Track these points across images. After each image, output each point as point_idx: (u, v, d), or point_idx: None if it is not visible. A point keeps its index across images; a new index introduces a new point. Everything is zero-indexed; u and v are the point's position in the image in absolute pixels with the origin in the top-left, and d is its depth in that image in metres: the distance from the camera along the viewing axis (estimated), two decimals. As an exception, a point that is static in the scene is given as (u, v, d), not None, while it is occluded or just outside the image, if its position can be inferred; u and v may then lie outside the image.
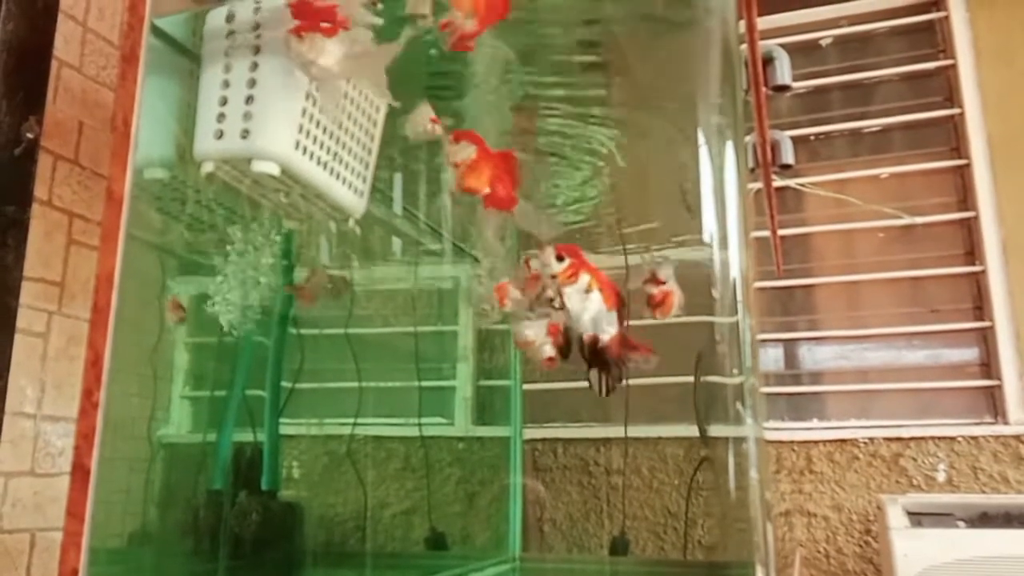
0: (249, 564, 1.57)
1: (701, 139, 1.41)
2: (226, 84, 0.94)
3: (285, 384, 1.82)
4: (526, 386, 2.17)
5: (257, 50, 0.93)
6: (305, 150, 0.94)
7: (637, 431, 2.13)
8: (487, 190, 1.01)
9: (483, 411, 2.30)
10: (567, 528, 2.17)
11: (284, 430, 1.84)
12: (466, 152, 0.98)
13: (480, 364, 2.31)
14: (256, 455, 1.75)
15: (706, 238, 1.48)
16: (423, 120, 1.15)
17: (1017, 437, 2.05)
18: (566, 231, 2.03)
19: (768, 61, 1.30)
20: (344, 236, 1.63)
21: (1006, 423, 2.09)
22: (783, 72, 1.32)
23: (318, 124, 0.96)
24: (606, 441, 2.21)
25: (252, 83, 0.92)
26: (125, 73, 0.85)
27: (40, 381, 1.19)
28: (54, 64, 1.21)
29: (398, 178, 1.68)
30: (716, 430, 1.81)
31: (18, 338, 1.15)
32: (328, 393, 2.11)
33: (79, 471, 0.79)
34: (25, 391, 1.17)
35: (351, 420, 2.00)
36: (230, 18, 0.95)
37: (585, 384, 2.21)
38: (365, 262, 1.85)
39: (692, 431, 1.94)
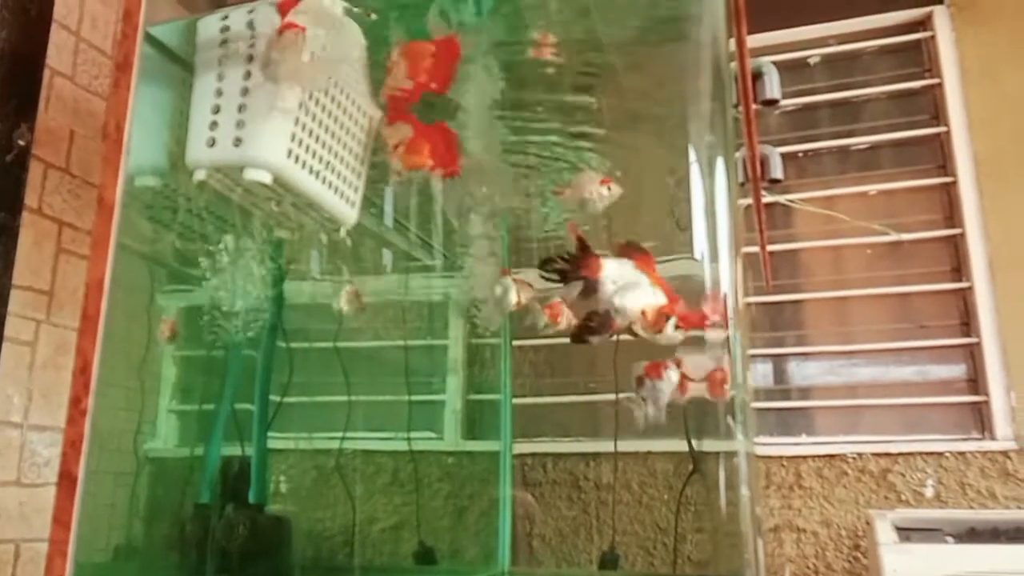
0: (236, 578, 1.55)
1: (692, 156, 1.42)
2: (219, 92, 0.94)
3: (274, 398, 1.81)
4: (516, 400, 2.17)
5: (250, 59, 0.93)
6: (297, 159, 0.94)
7: (627, 446, 2.13)
8: (430, 162, 1.02)
9: (473, 425, 2.29)
10: (556, 543, 2.16)
11: (272, 444, 1.83)
12: (402, 132, 0.99)
13: (470, 378, 2.31)
14: (244, 469, 1.74)
15: (697, 254, 1.49)
16: (590, 184, 1.15)
17: (1004, 452, 2.06)
18: (556, 243, 2.04)
19: (757, 76, 1.32)
20: (335, 248, 1.63)
21: (993, 439, 2.10)
22: (772, 87, 1.34)
23: (311, 133, 0.96)
24: (596, 456, 2.20)
25: (245, 91, 0.92)
26: (119, 80, 0.85)
27: (27, 390, 1.18)
28: (47, 73, 1.21)
29: (389, 190, 1.68)
30: (707, 445, 1.81)
31: (6, 346, 1.14)
32: (317, 407, 2.10)
33: (66, 479, 0.79)
34: (12, 400, 1.16)
35: (340, 434, 1.99)
36: (224, 28, 0.95)
37: (575, 399, 2.21)
38: (355, 274, 1.85)
39: (682, 445, 1.94)
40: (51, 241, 1.23)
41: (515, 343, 2.19)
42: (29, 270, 1.18)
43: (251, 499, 1.69)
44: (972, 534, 1.85)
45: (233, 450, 1.76)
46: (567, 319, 1.55)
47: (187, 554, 1.57)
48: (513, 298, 1.53)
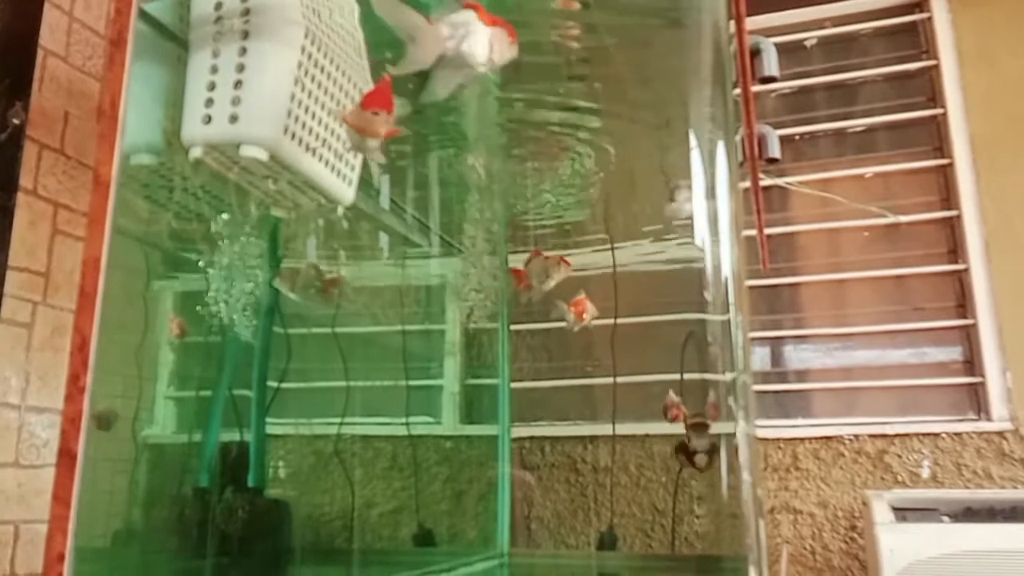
0: (236, 561, 1.56)
1: (693, 141, 1.42)
2: (214, 69, 0.93)
3: (272, 384, 1.81)
4: (514, 384, 2.17)
5: (246, 35, 0.93)
6: (294, 136, 0.94)
7: (625, 428, 2.14)
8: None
9: (471, 410, 2.30)
10: (555, 526, 2.17)
11: (271, 430, 1.83)
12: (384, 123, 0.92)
13: (468, 363, 2.31)
14: (242, 453, 1.74)
15: (697, 239, 1.49)
16: None
17: (1000, 433, 2.07)
18: (558, 231, 2.04)
19: (755, 53, 1.32)
20: (331, 231, 1.63)
21: (989, 419, 2.10)
22: (770, 64, 1.33)
23: (307, 110, 0.96)
24: (593, 439, 2.21)
25: (241, 68, 0.92)
26: (113, 57, 0.85)
27: (24, 372, 1.18)
28: (40, 53, 1.20)
29: (387, 169, 1.67)
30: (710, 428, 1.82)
31: (3, 328, 1.13)
32: (315, 392, 2.10)
33: (66, 456, 0.78)
34: (9, 381, 1.16)
35: (338, 419, 1.99)
36: (218, 4, 0.94)
37: (573, 383, 2.22)
38: (352, 258, 1.85)
39: (680, 428, 1.94)
40: (47, 222, 1.22)
41: (513, 327, 2.19)
42: (25, 251, 1.18)
43: (250, 483, 1.69)
44: (968, 514, 1.86)
45: (232, 435, 1.76)
46: (591, 315, 1.59)
47: (186, 537, 1.58)
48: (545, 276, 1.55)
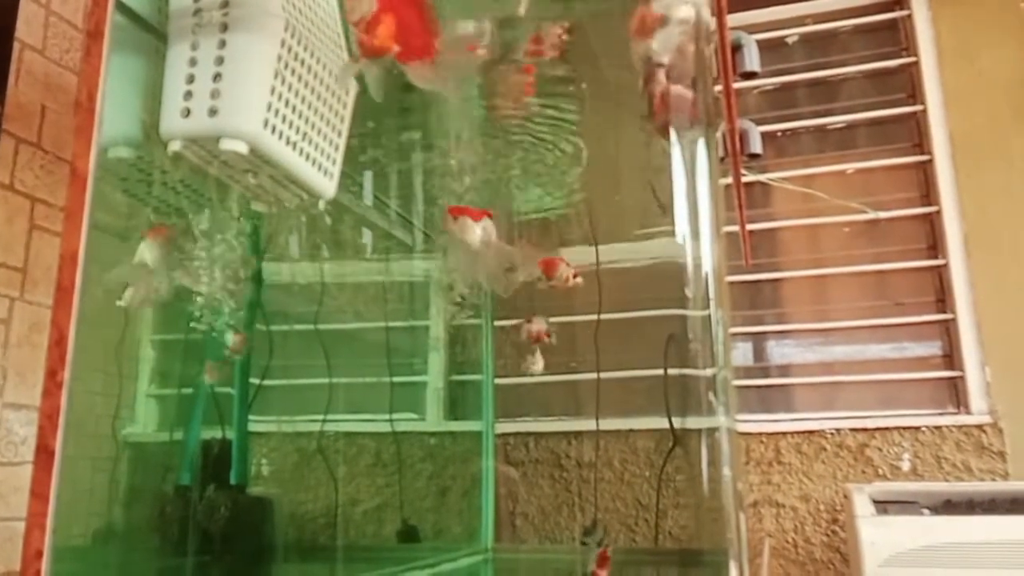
0: (218, 559, 1.55)
1: (673, 136, 1.42)
2: (193, 62, 0.92)
3: (254, 381, 1.80)
4: (498, 380, 2.17)
5: (225, 27, 0.92)
6: (274, 129, 0.93)
7: (609, 424, 2.14)
8: (395, 47, 0.83)
9: (455, 406, 2.29)
10: (539, 521, 2.17)
11: (254, 427, 1.82)
12: (364, 5, 0.82)
13: (452, 359, 2.31)
14: (225, 450, 1.73)
15: (678, 235, 1.49)
16: None
17: (979, 426, 2.09)
18: (538, 224, 2.04)
19: (736, 48, 1.32)
20: (313, 226, 1.62)
21: (968, 413, 2.13)
22: (751, 59, 1.34)
23: (287, 103, 0.95)
24: (577, 434, 2.22)
25: (220, 60, 0.91)
26: (90, 49, 0.84)
27: (2, 368, 1.17)
28: (16, 46, 1.19)
29: (369, 166, 1.67)
30: (689, 423, 1.83)
31: (-21, 324, 1.12)
32: (298, 389, 2.09)
33: (43, 452, 0.78)
34: (-14, 378, 1.15)
35: (321, 417, 1.98)
36: (197, -4, 0.94)
37: (557, 378, 2.22)
38: (335, 254, 1.84)
39: (663, 423, 1.95)
40: (24, 217, 1.21)
41: (497, 323, 2.19)
42: (2, 246, 1.16)
43: (232, 480, 1.68)
44: (948, 506, 1.88)
45: (214, 433, 1.75)
46: (563, 275, 1.43)
47: (167, 535, 1.57)
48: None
